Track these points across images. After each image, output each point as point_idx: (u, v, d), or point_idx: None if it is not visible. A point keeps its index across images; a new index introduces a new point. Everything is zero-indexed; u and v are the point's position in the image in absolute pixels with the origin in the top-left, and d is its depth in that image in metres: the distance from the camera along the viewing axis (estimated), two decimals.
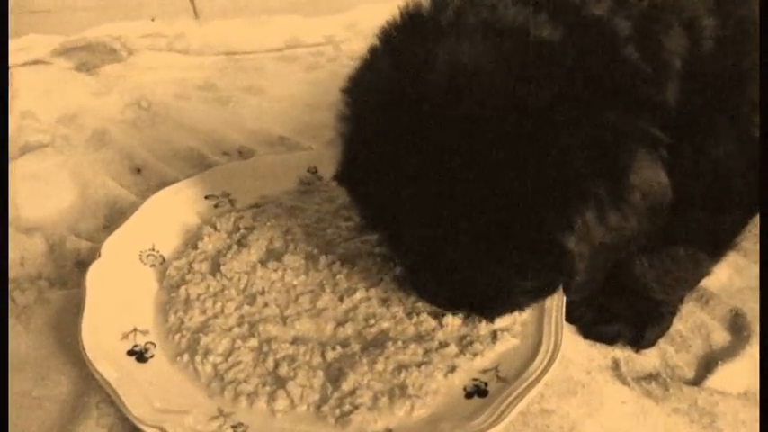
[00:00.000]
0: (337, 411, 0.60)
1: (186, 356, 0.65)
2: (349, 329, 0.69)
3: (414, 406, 0.61)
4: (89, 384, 0.65)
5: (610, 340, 0.74)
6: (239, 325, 0.68)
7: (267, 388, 0.62)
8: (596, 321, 0.74)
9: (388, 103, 0.57)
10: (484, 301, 0.66)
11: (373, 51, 0.61)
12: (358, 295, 0.72)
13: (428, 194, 0.57)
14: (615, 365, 0.72)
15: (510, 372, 0.65)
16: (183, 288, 0.71)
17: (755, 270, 0.86)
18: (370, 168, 0.59)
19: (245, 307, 0.70)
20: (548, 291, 0.66)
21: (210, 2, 1.43)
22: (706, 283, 0.79)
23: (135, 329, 0.68)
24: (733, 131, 0.59)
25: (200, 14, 1.44)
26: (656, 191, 0.57)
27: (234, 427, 0.59)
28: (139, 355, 0.65)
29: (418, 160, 0.56)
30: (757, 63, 0.57)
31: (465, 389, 0.64)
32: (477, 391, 0.63)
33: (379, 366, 0.64)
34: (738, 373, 0.71)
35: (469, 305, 0.68)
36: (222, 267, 0.73)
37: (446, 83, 0.55)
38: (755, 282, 0.84)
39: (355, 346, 0.66)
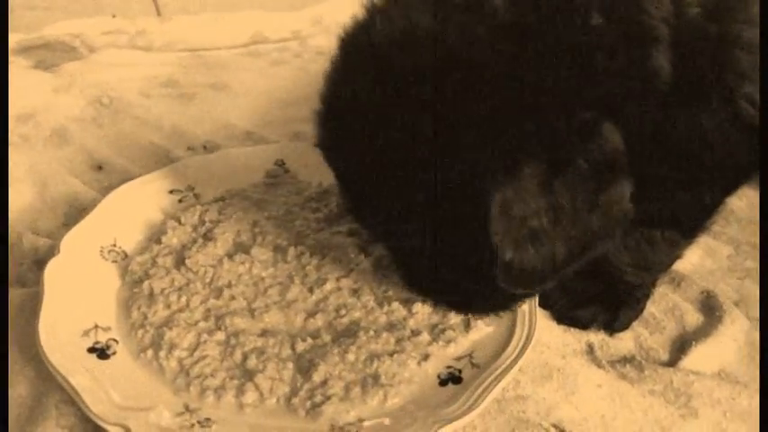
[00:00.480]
0: (308, 403, 0.59)
1: (150, 352, 0.63)
2: (319, 321, 0.67)
3: (387, 395, 0.60)
4: (48, 385, 0.62)
5: (584, 325, 0.73)
6: (205, 319, 0.66)
7: (235, 381, 0.60)
8: (570, 306, 0.74)
9: (351, 62, 0.60)
10: (442, 287, 0.65)
11: (354, 19, 0.62)
12: (328, 286, 0.70)
13: (383, 155, 0.56)
14: (590, 350, 0.72)
15: (484, 358, 0.64)
16: (146, 283, 0.69)
17: (726, 251, 0.86)
18: (340, 131, 0.60)
19: (212, 300, 0.68)
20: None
21: None
22: (677, 265, 0.79)
23: (96, 326, 0.65)
24: (721, 102, 0.59)
25: (162, 11, 1.41)
26: (612, 176, 0.55)
27: (200, 422, 0.57)
28: (101, 352, 0.63)
29: (372, 119, 0.56)
30: (741, 33, 0.57)
31: (439, 376, 0.63)
32: (451, 378, 0.62)
33: (351, 356, 0.62)
34: (712, 353, 0.71)
35: (431, 291, 0.67)
36: (187, 261, 0.71)
37: (391, 42, 0.56)
38: (726, 263, 0.85)
39: (326, 337, 0.65)
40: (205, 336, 0.64)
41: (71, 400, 0.58)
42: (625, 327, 0.74)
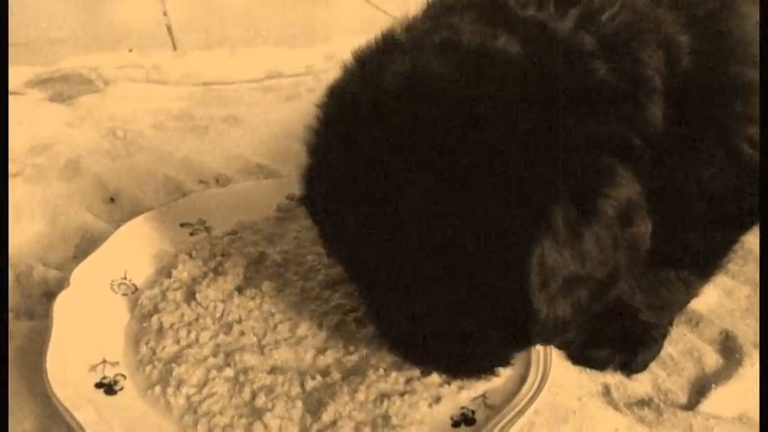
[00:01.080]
0: None
1: (158, 388, 0.61)
2: (329, 358, 0.66)
3: None
4: (55, 421, 0.61)
5: (600, 365, 0.72)
6: (214, 355, 0.65)
7: (243, 420, 0.59)
8: (586, 346, 0.72)
9: (347, 111, 0.56)
10: (450, 352, 0.61)
11: (345, 68, 0.60)
12: (336, 321, 0.69)
13: (378, 209, 0.53)
14: (606, 391, 0.70)
15: (498, 399, 0.62)
16: (155, 317, 0.68)
17: (744, 291, 0.85)
18: (329, 185, 0.57)
19: (221, 336, 0.67)
20: (517, 337, 0.59)
21: (189, 33, 1.43)
22: (695, 305, 0.78)
23: (104, 361, 0.64)
24: (721, 148, 0.58)
25: (178, 46, 1.43)
26: (634, 217, 0.54)
27: None
28: (108, 388, 0.62)
29: (370, 170, 0.53)
30: (740, 75, 0.56)
31: (452, 418, 0.61)
32: (464, 419, 0.61)
33: (361, 396, 0.61)
34: (732, 397, 0.69)
35: (435, 358, 0.63)
36: (197, 295, 0.70)
37: (400, 88, 0.53)
38: (745, 303, 0.83)
39: (336, 375, 0.63)
40: (214, 372, 0.62)
41: None
42: (643, 368, 0.72)
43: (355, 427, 0.58)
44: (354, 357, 0.65)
